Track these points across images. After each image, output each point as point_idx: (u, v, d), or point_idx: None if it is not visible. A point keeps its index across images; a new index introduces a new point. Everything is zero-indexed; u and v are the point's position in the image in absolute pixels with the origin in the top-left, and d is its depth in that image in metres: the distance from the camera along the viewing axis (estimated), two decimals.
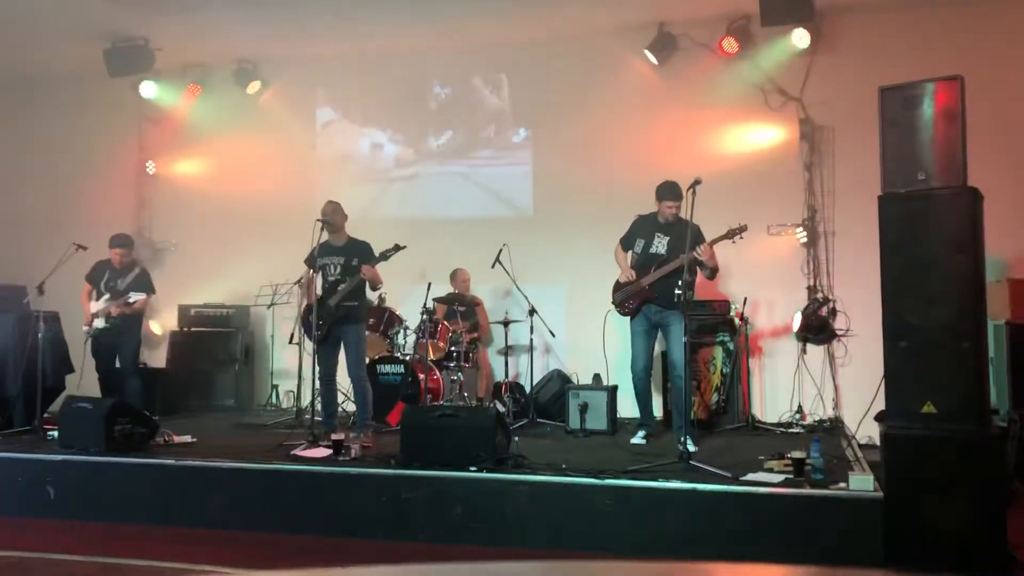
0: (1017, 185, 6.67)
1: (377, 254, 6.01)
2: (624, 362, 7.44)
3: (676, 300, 5.55)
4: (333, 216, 6.05)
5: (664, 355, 6.55)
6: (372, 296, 6.82)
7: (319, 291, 6.13)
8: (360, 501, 4.89)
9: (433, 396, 6.87)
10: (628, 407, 7.19)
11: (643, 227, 6.11)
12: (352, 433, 5.89)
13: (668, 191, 5.92)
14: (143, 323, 7.40)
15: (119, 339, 6.90)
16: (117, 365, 6.98)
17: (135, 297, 6.79)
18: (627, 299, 6.02)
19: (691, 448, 5.12)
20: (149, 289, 7.00)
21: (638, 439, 5.97)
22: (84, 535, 4.88)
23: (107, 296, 6.85)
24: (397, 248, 5.94)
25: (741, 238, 5.76)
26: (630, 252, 6.16)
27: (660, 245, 5.97)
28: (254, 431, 6.86)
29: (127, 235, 7.14)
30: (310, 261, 6.12)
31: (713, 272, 5.95)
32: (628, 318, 6.13)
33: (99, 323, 6.82)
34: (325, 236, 6.06)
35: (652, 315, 5.96)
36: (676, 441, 5.40)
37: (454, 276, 7.78)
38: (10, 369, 6.88)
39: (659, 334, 6.10)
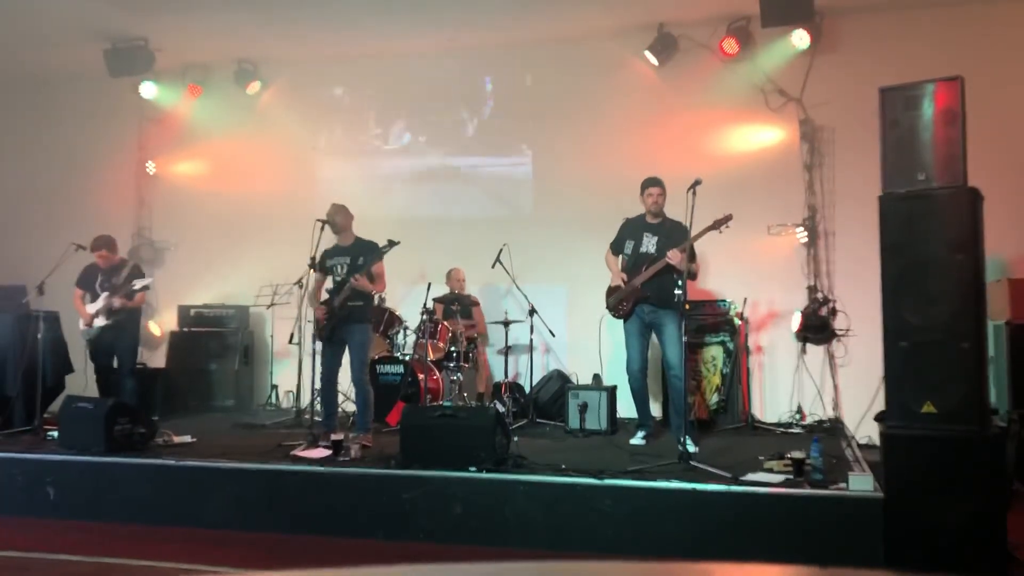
0: (1017, 185, 6.66)
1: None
2: (620, 363, 7.48)
3: (676, 300, 5.52)
4: (334, 217, 6.04)
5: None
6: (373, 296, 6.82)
7: (326, 293, 6.14)
8: (360, 501, 4.89)
9: (433, 396, 6.88)
10: (627, 407, 7.20)
11: (631, 229, 6.09)
12: (352, 433, 5.89)
13: (649, 180, 5.98)
14: (141, 322, 7.39)
15: (117, 339, 6.89)
16: (115, 365, 6.97)
17: (140, 284, 6.79)
18: (620, 302, 5.99)
19: (691, 448, 5.12)
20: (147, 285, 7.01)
21: (637, 440, 5.95)
22: (84, 535, 4.88)
23: (106, 294, 6.83)
24: (391, 244, 5.92)
25: (728, 227, 5.66)
26: (620, 256, 6.15)
27: (650, 244, 5.94)
28: (254, 431, 6.85)
29: (106, 235, 7.04)
30: (318, 266, 6.09)
31: (690, 275, 5.83)
32: (622, 320, 6.11)
33: (100, 321, 6.80)
34: (329, 237, 6.06)
35: (645, 315, 5.92)
36: (676, 441, 5.41)
37: (449, 275, 7.79)
38: (10, 369, 6.88)
39: (651, 335, 6.04)
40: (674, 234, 5.81)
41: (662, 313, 5.82)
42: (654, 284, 5.82)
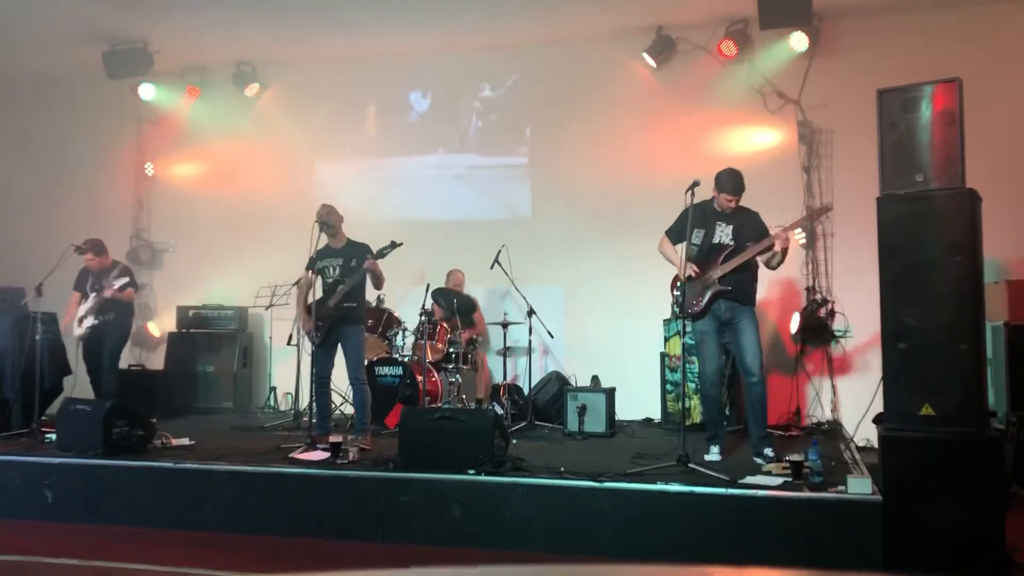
0: (1015, 187, 6.68)
1: (375, 252, 5.99)
2: (623, 363, 7.48)
3: (752, 294, 5.28)
4: (328, 218, 6.04)
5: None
6: (371, 297, 6.81)
7: (319, 293, 6.13)
8: (358, 504, 4.88)
9: (431, 398, 6.87)
10: (627, 409, 7.21)
11: (699, 217, 5.32)
12: (350, 435, 5.89)
13: (728, 182, 5.32)
14: (131, 323, 7.35)
15: (103, 339, 6.91)
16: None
17: (120, 282, 6.79)
18: (696, 296, 5.32)
19: (769, 455, 5.09)
20: (132, 282, 7.00)
21: (713, 455, 5.32)
22: (82, 538, 4.87)
23: (95, 295, 6.85)
24: (394, 245, 5.91)
25: (828, 218, 5.38)
26: (684, 246, 5.39)
27: (724, 235, 5.35)
28: (252, 433, 6.85)
29: (94, 239, 7.08)
30: (310, 265, 6.11)
31: (781, 261, 5.32)
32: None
33: (89, 322, 6.82)
34: (323, 240, 6.05)
35: (722, 313, 5.31)
36: (753, 451, 5.32)
37: (448, 277, 7.79)
38: (8, 371, 6.87)
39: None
40: (751, 222, 5.35)
41: (741, 310, 5.30)
42: (732, 278, 5.27)
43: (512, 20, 7.81)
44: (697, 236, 5.35)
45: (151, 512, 5.14)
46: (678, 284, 5.43)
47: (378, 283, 6.15)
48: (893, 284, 4.27)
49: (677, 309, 5.56)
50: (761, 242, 5.24)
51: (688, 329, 5.49)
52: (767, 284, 7.48)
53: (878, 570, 3.99)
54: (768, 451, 5.22)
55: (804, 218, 5.41)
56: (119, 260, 7.32)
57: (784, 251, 5.22)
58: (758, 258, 5.32)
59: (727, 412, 6.47)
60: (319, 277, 6.14)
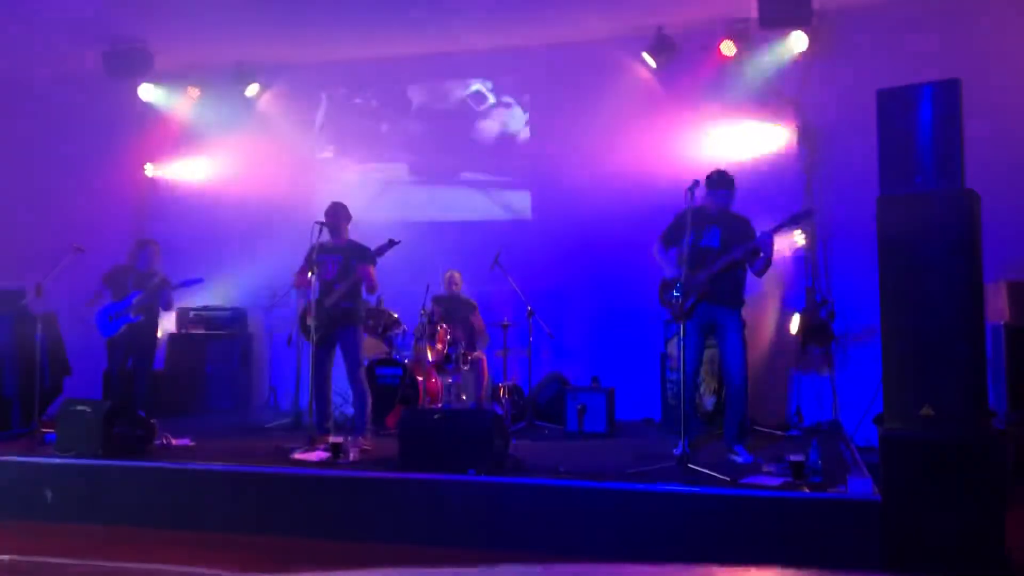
0: (1015, 187, 6.66)
1: (373, 252, 5.97)
2: (623, 363, 7.49)
3: (737, 298, 5.33)
4: (335, 218, 6.03)
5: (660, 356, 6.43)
6: (371, 298, 6.81)
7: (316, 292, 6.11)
8: (358, 504, 4.88)
9: (431, 399, 6.87)
10: (627, 409, 7.21)
11: (691, 220, 5.31)
12: (350, 436, 5.88)
13: (718, 180, 5.48)
14: (159, 325, 7.37)
15: (137, 340, 6.87)
16: (128, 366, 6.98)
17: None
18: (681, 299, 5.31)
19: (742, 459, 5.11)
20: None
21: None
22: (82, 539, 4.87)
23: (139, 293, 6.83)
24: (392, 243, 5.87)
25: (812, 222, 5.35)
26: (672, 249, 5.53)
27: (712, 238, 5.43)
28: (252, 434, 6.84)
29: (144, 240, 7.23)
30: (308, 259, 6.09)
31: (767, 265, 5.36)
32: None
33: (126, 318, 6.82)
34: (325, 235, 6.03)
35: (706, 316, 5.39)
36: (726, 448, 5.37)
37: (445, 279, 7.78)
38: (7, 371, 6.87)
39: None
40: (739, 227, 5.41)
41: (725, 314, 5.38)
42: (718, 281, 5.34)
43: (512, 21, 7.81)
44: (687, 239, 5.35)
45: (151, 513, 5.14)
46: (666, 287, 5.48)
47: (371, 289, 6.14)
48: (893, 284, 4.27)
49: (667, 309, 5.57)
50: (745, 246, 5.30)
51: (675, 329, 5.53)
52: (768, 284, 7.49)
53: (878, 570, 3.99)
54: (738, 448, 5.27)
55: (786, 222, 5.35)
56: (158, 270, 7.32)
57: (768, 256, 5.27)
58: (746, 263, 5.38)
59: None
60: (315, 273, 6.10)
